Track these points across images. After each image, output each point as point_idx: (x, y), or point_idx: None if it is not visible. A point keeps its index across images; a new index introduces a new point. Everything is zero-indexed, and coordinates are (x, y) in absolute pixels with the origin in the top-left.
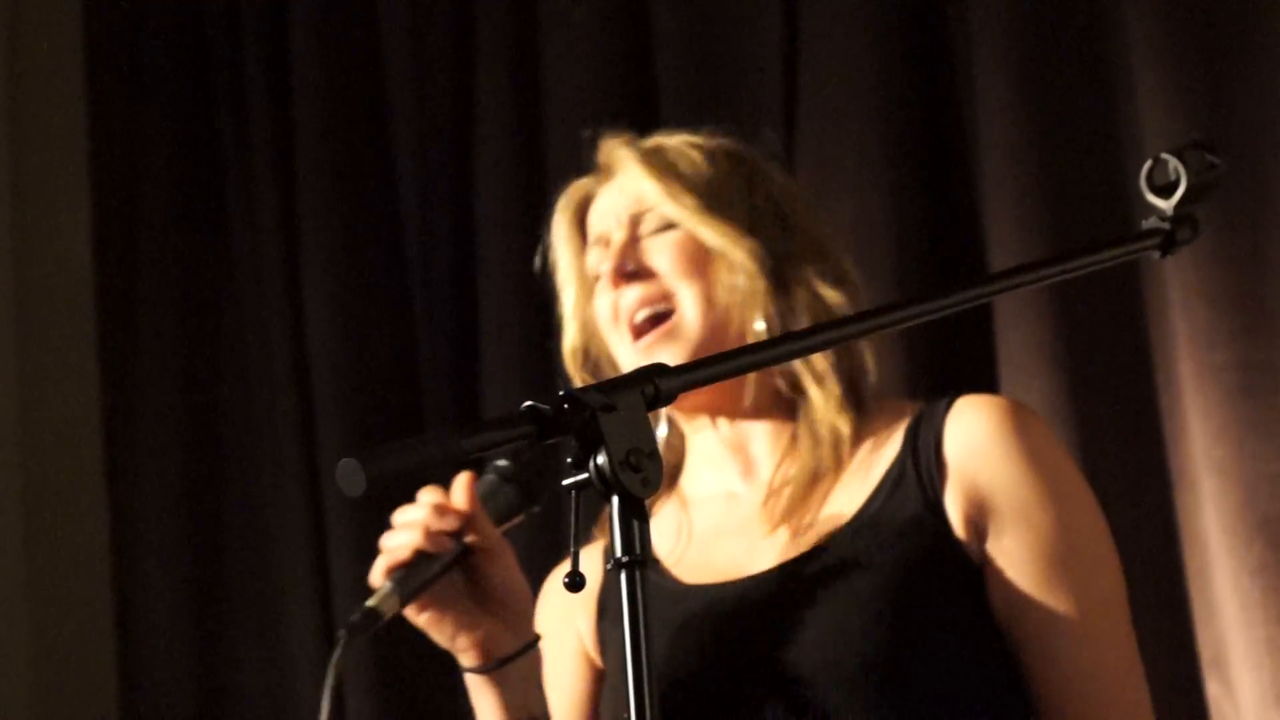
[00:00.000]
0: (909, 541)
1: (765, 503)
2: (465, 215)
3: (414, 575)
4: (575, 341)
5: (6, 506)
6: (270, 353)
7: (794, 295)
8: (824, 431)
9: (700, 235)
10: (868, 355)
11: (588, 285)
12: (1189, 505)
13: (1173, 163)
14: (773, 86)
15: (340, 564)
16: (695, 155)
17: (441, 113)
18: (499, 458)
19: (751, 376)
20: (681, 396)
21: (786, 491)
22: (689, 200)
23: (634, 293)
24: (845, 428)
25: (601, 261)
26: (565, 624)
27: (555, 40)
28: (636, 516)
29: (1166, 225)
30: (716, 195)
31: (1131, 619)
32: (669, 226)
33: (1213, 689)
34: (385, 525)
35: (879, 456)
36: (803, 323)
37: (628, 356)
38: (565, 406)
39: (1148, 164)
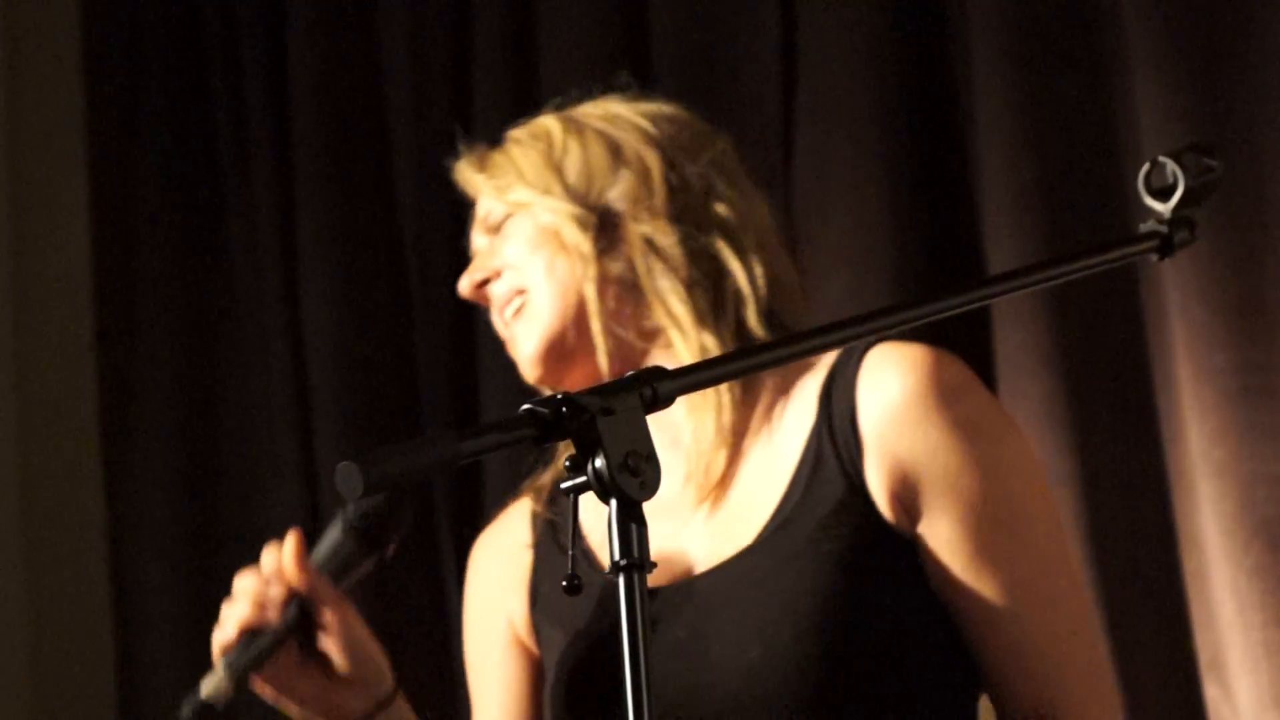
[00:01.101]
0: (835, 532)
1: (686, 481)
2: (463, 215)
3: (245, 652)
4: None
5: (3, 505)
6: (268, 353)
7: (634, 254)
8: (716, 410)
9: (530, 213)
10: (750, 304)
11: None
12: (1187, 507)
13: (1170, 166)
14: (770, 89)
15: None
16: (524, 136)
17: (439, 114)
18: (348, 504)
19: (602, 346)
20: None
21: (706, 470)
22: (505, 186)
23: (495, 293)
24: (727, 416)
25: None
26: (494, 609)
27: (553, 43)
28: (635, 520)
29: (1164, 228)
30: (542, 170)
31: (1078, 575)
32: (504, 220)
33: (1211, 691)
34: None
35: (795, 424)
36: (655, 276)
37: (509, 345)
38: (563, 409)
39: (1145, 167)
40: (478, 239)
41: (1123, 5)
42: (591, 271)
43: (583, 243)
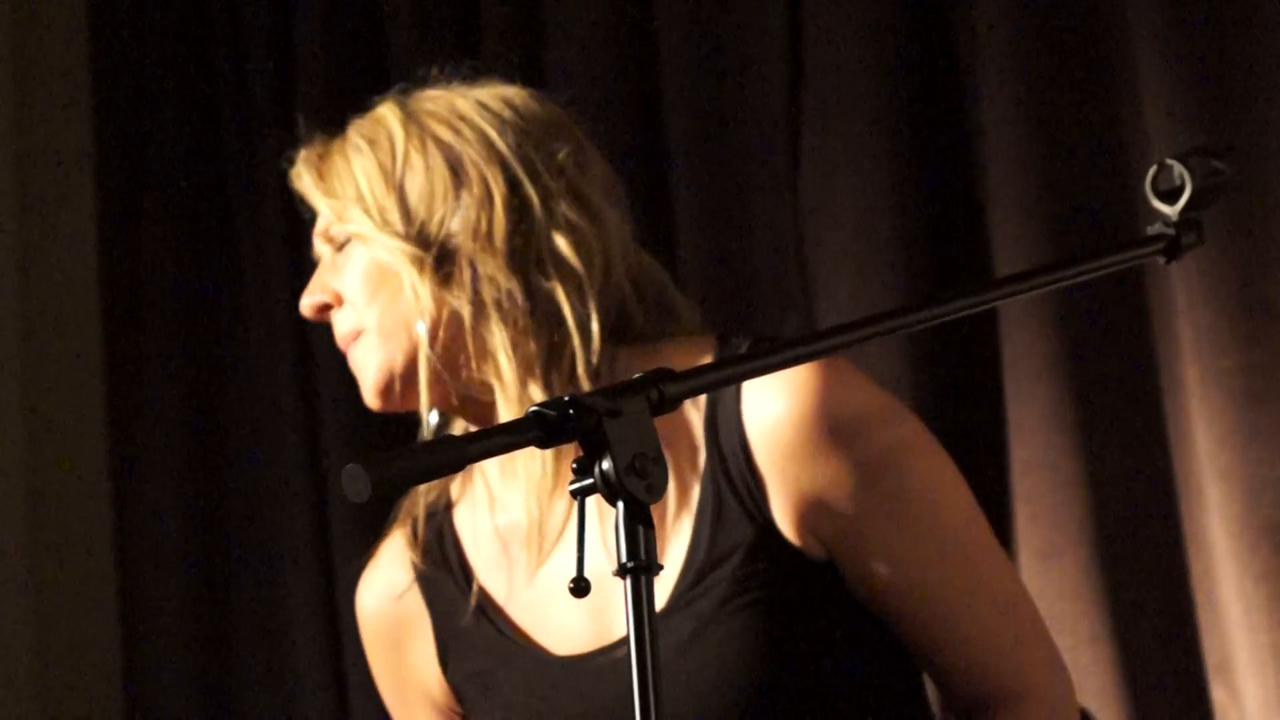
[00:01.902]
0: (753, 583)
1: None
2: None
3: None
4: None
5: (11, 514)
6: (275, 357)
7: (470, 290)
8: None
9: (362, 246)
10: (579, 359)
11: None
12: (1194, 511)
13: (1178, 168)
14: (776, 95)
15: (345, 569)
16: (358, 140)
17: None
18: None
19: (423, 371)
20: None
21: (535, 516)
22: (337, 208)
23: (337, 326)
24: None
25: None
26: (400, 667)
27: (559, 51)
28: (642, 522)
29: (1171, 231)
30: (378, 186)
31: (997, 545)
32: (347, 242)
33: (1218, 694)
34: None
35: (688, 467)
36: (486, 315)
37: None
38: (571, 412)
39: (1152, 170)
40: (320, 246)
41: (1129, 8)
42: (429, 310)
43: (419, 285)
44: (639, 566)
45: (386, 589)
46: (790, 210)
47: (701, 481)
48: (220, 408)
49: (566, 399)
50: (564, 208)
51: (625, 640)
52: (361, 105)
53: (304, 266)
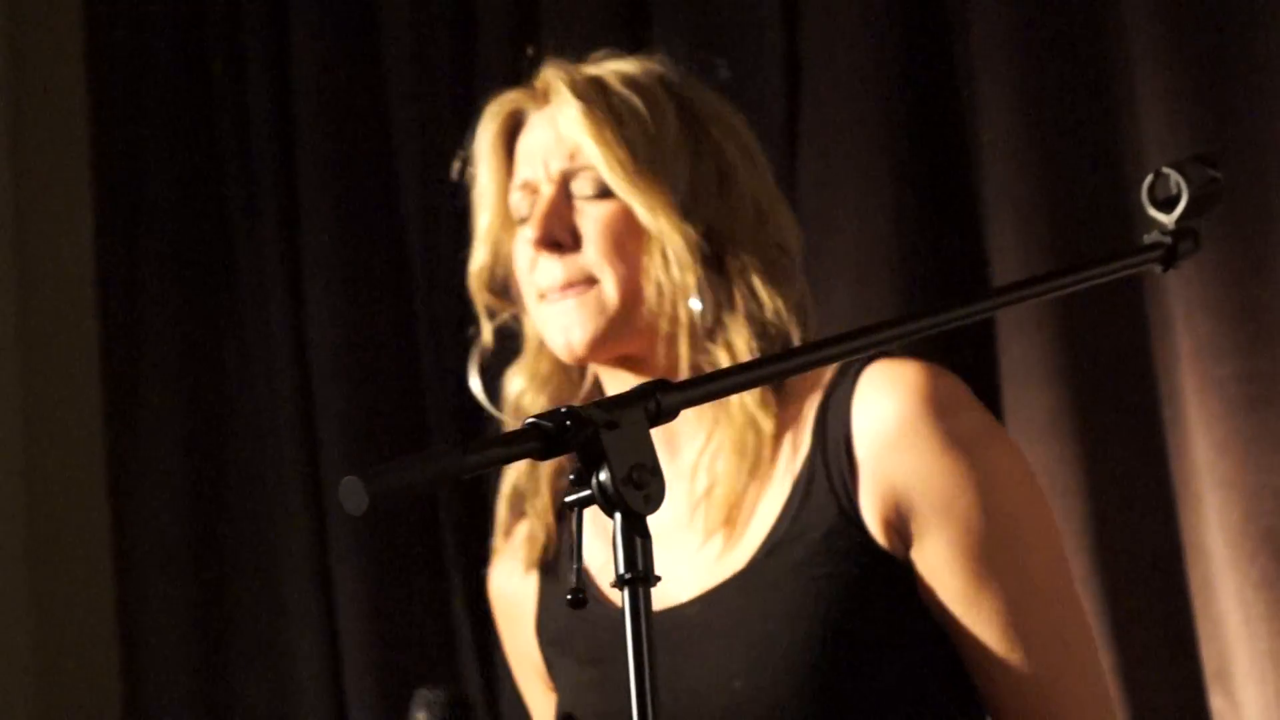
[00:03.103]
0: (827, 559)
1: (694, 507)
2: (469, 230)
3: None
4: (484, 262)
5: (9, 519)
6: (273, 366)
7: (731, 285)
8: (744, 432)
9: (636, 213)
10: (793, 328)
11: (507, 218)
12: (1192, 519)
13: (1174, 177)
14: (774, 103)
15: (344, 579)
16: (641, 105)
17: (444, 127)
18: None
19: (684, 345)
20: (607, 351)
21: (717, 494)
22: (629, 169)
23: (556, 269)
24: (767, 425)
25: (527, 214)
26: (516, 649)
27: (556, 56)
28: (639, 533)
29: (1168, 239)
30: (660, 163)
31: (1077, 594)
32: (604, 194)
33: (1217, 703)
34: (388, 541)
35: (795, 447)
36: (736, 314)
37: (535, 312)
38: (568, 423)
39: (1149, 178)
40: (550, 174)
41: (1126, 17)
42: (692, 293)
43: (691, 268)
44: (636, 578)
45: (508, 570)
46: None
47: (802, 462)
48: (219, 416)
49: (564, 410)
50: (767, 205)
51: (686, 604)
52: (357, 107)
53: (303, 273)
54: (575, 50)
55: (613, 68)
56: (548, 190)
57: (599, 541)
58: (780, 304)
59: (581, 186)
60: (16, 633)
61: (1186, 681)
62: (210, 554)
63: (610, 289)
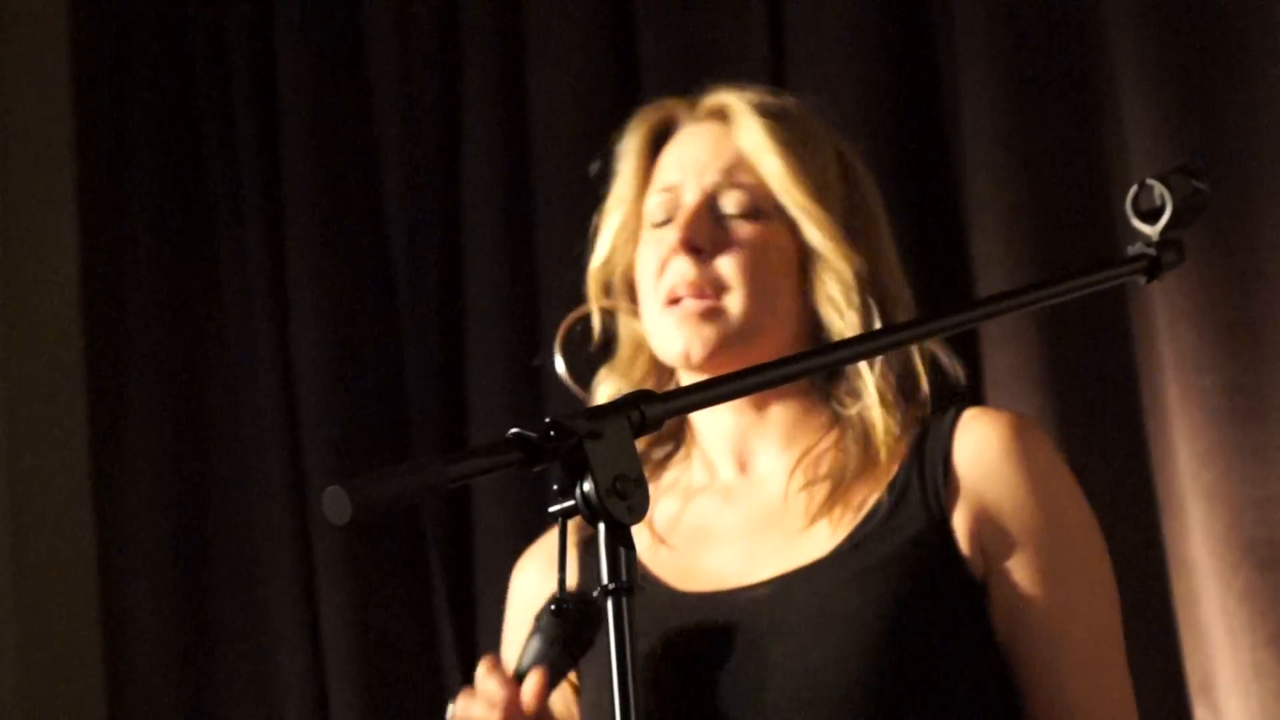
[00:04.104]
0: (909, 562)
1: (791, 495)
2: (452, 236)
3: None
4: (603, 264)
5: None
6: (257, 374)
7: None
8: (871, 433)
9: (802, 232)
10: (919, 362)
11: (637, 222)
12: (1176, 529)
13: (1158, 188)
14: None
15: (328, 587)
16: (814, 139)
17: (428, 137)
18: (546, 614)
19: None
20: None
21: (818, 491)
22: (808, 189)
23: (689, 272)
24: (890, 432)
25: (664, 218)
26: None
27: (541, 67)
28: (623, 544)
29: (1152, 250)
30: (828, 196)
31: (1123, 643)
32: (752, 215)
33: (1201, 714)
34: (372, 551)
35: (885, 460)
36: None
37: (656, 317)
38: (552, 433)
39: (1133, 189)
40: (703, 187)
41: (1111, 27)
42: (854, 321)
43: (855, 294)
44: (620, 588)
45: (544, 548)
46: None
47: (896, 471)
48: (203, 424)
49: (548, 420)
50: (890, 260)
51: (759, 585)
52: (343, 108)
53: (287, 282)
54: (559, 80)
55: (780, 101)
56: (693, 198)
57: (679, 535)
58: (921, 359)
59: (729, 204)
60: (2, 644)
61: (1170, 693)
62: (194, 563)
63: (738, 302)
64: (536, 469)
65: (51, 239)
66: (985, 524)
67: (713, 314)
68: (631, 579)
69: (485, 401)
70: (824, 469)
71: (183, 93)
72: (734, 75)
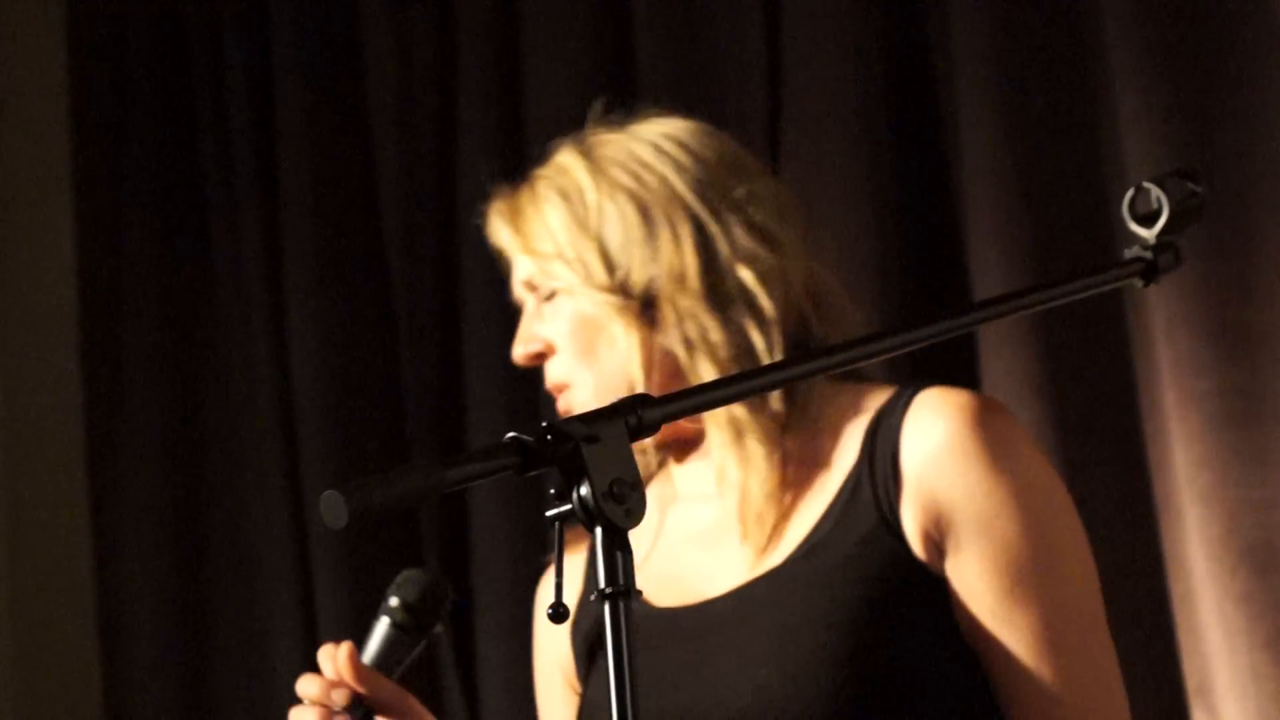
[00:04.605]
0: (862, 563)
1: (741, 513)
2: (450, 240)
3: None
4: None
5: None
6: (254, 379)
7: (667, 329)
8: (759, 480)
9: (577, 303)
10: (771, 341)
11: None
12: (1173, 533)
13: (1155, 191)
14: (755, 114)
15: (325, 591)
16: (565, 188)
17: (425, 137)
18: (392, 598)
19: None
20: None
21: (758, 521)
22: (549, 265)
23: (547, 374)
24: (764, 467)
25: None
26: (546, 652)
27: (538, 67)
28: (620, 548)
29: (1149, 254)
30: (583, 238)
31: (1108, 627)
32: (552, 295)
33: (1198, 717)
34: (370, 554)
35: (840, 458)
36: (698, 356)
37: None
38: (548, 437)
39: (1130, 193)
40: (521, 293)
41: (1108, 29)
42: (638, 358)
43: (630, 334)
44: (617, 593)
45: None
46: None
47: (848, 472)
48: (200, 426)
49: (545, 424)
50: (744, 240)
51: (720, 598)
52: (340, 113)
53: (284, 284)
54: (555, 80)
55: (538, 172)
56: (524, 301)
57: (669, 544)
58: (718, 317)
59: (541, 289)
60: None
61: (1168, 696)
62: (191, 566)
63: (584, 392)
64: (533, 473)
65: (49, 242)
66: (935, 520)
67: (572, 406)
68: (630, 583)
69: (482, 405)
70: (747, 477)
71: (179, 92)
72: (729, 79)
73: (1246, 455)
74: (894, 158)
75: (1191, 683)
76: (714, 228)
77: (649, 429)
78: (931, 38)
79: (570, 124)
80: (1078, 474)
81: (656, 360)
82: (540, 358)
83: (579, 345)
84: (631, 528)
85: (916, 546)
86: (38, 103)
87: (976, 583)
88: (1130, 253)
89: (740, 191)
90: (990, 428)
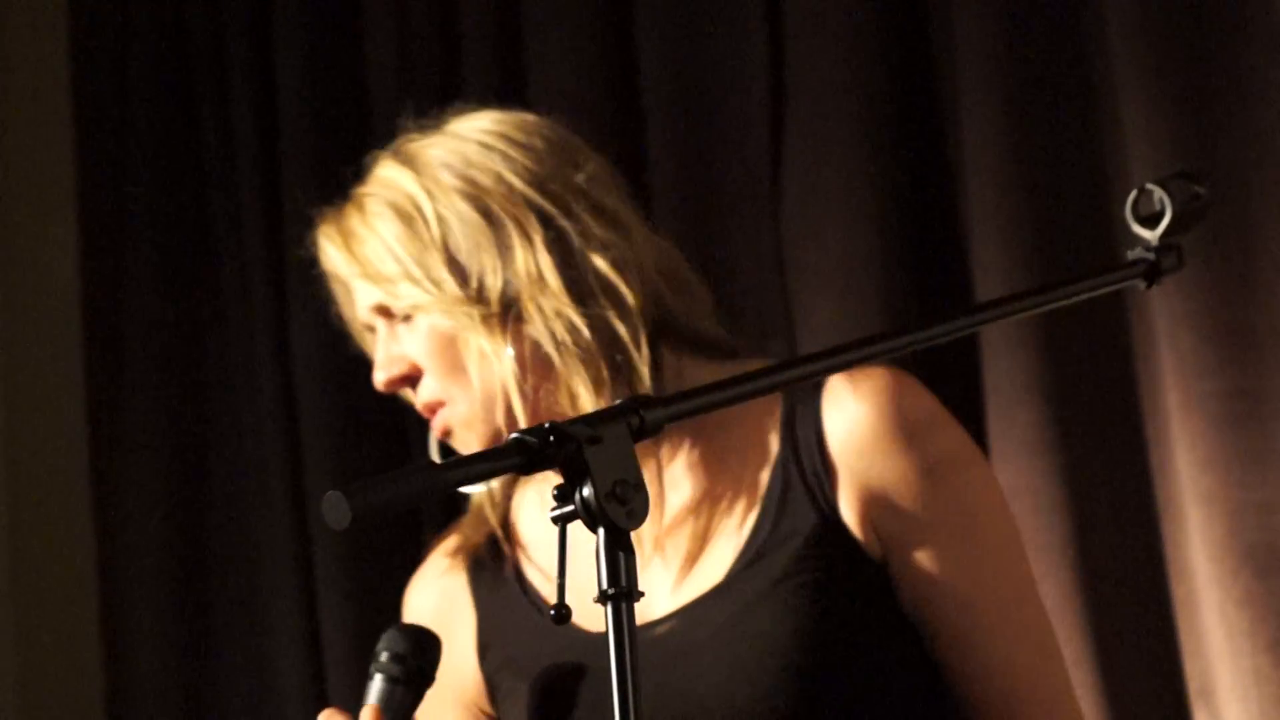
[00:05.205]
0: (810, 566)
1: (656, 524)
2: None
3: None
4: None
5: None
6: (257, 377)
7: (532, 330)
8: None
9: (434, 320)
10: (638, 370)
11: None
12: (1176, 535)
13: (1158, 193)
14: (758, 116)
15: (327, 593)
16: (382, 208)
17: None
18: (381, 654)
19: (519, 413)
20: None
21: (674, 512)
22: (394, 289)
23: (416, 397)
24: (655, 486)
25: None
26: (450, 661)
27: (540, 75)
28: (622, 549)
29: (1152, 255)
30: (426, 255)
31: (1038, 593)
32: (407, 317)
33: (1200, 719)
34: (373, 555)
35: (757, 456)
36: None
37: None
38: (551, 438)
39: (1133, 194)
40: (370, 319)
41: (1110, 34)
42: (510, 367)
43: (495, 340)
44: (620, 594)
45: (434, 586)
46: (772, 234)
47: (772, 469)
48: (202, 427)
49: (547, 425)
50: (595, 228)
51: (658, 621)
52: (343, 118)
53: (286, 287)
54: (557, 87)
55: (362, 190)
56: (378, 327)
57: (550, 563)
58: (580, 310)
59: (387, 311)
60: (0, 650)
61: (1170, 699)
62: (193, 567)
63: (462, 407)
64: (536, 474)
65: (51, 241)
66: (872, 505)
67: (455, 422)
68: (631, 584)
69: None
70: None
71: (182, 92)
72: (731, 78)
73: (1249, 457)
74: (897, 158)
75: (1194, 685)
76: (563, 221)
77: (652, 430)
78: (935, 38)
79: (573, 124)
80: (1080, 476)
81: (529, 364)
82: (406, 380)
83: (446, 362)
84: (634, 528)
85: (857, 533)
86: (41, 102)
87: (918, 566)
88: (1133, 254)
89: (580, 177)
90: (911, 407)
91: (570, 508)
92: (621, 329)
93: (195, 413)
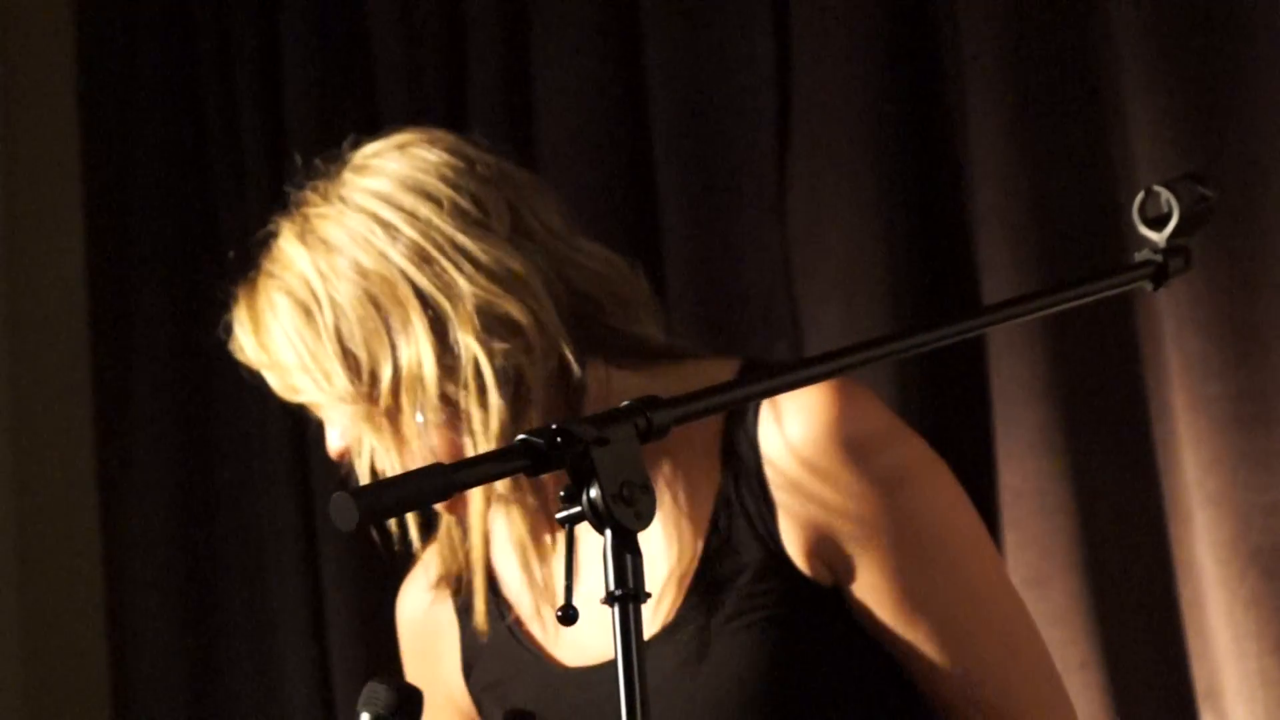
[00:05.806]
0: (760, 602)
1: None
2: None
3: None
4: None
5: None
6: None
7: (443, 401)
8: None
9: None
10: (538, 408)
11: None
12: (1182, 537)
13: (1165, 195)
14: (765, 120)
15: (334, 594)
16: (279, 296)
17: None
18: (362, 714)
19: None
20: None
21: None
22: (288, 371)
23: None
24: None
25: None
26: (430, 679)
27: (548, 78)
28: (629, 550)
29: (1159, 257)
30: (312, 348)
31: (1015, 592)
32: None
33: None
34: (380, 555)
35: (695, 482)
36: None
37: None
38: (558, 440)
39: (1140, 196)
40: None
41: (1117, 35)
42: (419, 458)
43: (397, 438)
44: (627, 595)
45: (422, 598)
46: (779, 237)
47: (715, 500)
48: (210, 427)
49: (554, 427)
50: (480, 278)
51: (607, 664)
52: (350, 118)
53: None
54: (565, 94)
55: (264, 264)
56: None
57: (523, 588)
58: (491, 366)
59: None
60: (6, 647)
61: (1176, 700)
62: (200, 561)
63: (394, 468)
64: (542, 475)
65: (58, 242)
66: (818, 538)
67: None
68: (639, 586)
69: None
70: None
71: (188, 86)
72: (737, 83)
73: (1255, 459)
74: (903, 160)
75: (1200, 687)
76: (442, 300)
77: (659, 432)
78: (941, 39)
79: (578, 125)
80: (1086, 478)
81: (441, 451)
82: (345, 454)
83: (378, 445)
84: (641, 530)
85: (803, 566)
86: (48, 100)
87: (873, 589)
88: (1140, 256)
89: (453, 221)
90: (851, 422)
91: (577, 509)
92: (530, 371)
93: (202, 410)
